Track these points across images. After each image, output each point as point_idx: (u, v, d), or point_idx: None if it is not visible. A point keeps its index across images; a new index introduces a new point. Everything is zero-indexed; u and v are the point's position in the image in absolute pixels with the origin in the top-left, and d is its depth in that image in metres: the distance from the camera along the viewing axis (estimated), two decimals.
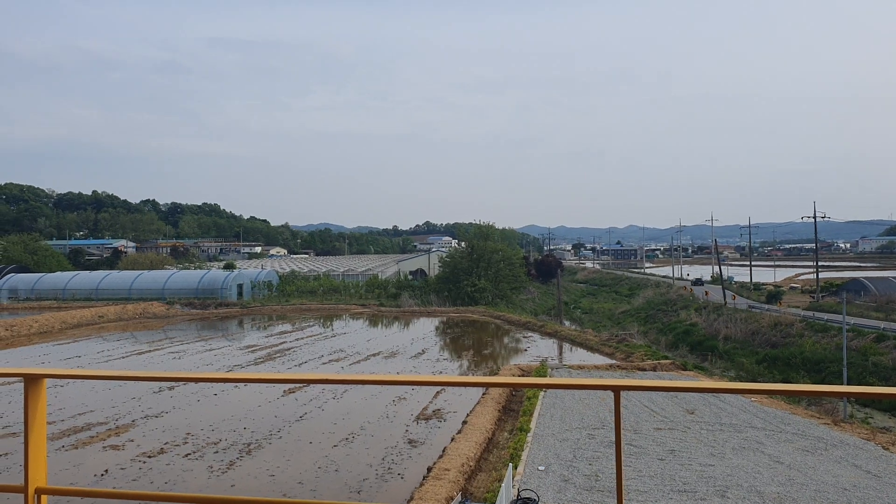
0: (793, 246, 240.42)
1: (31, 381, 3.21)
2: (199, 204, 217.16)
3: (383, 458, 15.14)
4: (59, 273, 66.87)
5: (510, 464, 12.89)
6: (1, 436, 17.11)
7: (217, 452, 15.60)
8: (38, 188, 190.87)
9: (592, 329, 43.67)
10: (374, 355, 30.71)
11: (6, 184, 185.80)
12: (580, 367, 26.89)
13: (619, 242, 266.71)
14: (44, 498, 3.19)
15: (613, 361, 29.28)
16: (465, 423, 17.66)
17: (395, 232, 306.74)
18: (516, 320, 45.07)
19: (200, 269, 74.36)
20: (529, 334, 39.34)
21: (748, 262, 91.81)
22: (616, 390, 2.61)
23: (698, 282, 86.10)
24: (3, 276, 63.39)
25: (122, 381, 3.40)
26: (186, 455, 15.40)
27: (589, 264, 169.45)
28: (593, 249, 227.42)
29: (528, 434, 16.33)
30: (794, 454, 14.48)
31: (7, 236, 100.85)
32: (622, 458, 2.64)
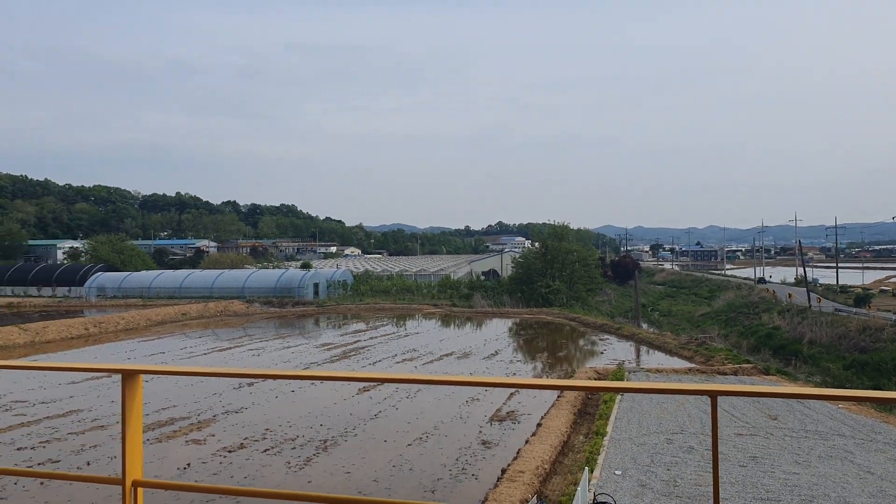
0: (883, 247, 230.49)
1: (129, 377, 3.29)
2: (277, 205, 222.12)
3: (457, 459, 15.10)
4: (144, 272, 69.30)
5: (586, 467, 12.67)
6: (91, 429, 17.78)
7: (294, 448, 15.85)
8: (124, 190, 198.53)
9: (671, 332, 42.73)
10: (446, 356, 30.75)
11: (95, 186, 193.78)
12: (658, 371, 26.32)
13: (698, 243, 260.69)
14: (139, 490, 3.27)
15: (693, 365, 28.55)
16: (539, 425, 17.48)
17: (468, 232, 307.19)
18: (592, 322, 44.47)
19: (278, 268, 75.96)
20: (605, 337, 38.76)
21: (834, 264, 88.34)
22: (713, 395, 2.48)
23: (761, 281, 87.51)
24: (91, 275, 66.02)
25: (211, 377, 3.46)
26: (265, 450, 15.70)
27: (667, 265, 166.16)
28: (672, 250, 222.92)
29: (605, 438, 16.04)
30: (886, 464, 13.80)
31: (95, 236, 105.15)
32: (718, 464, 2.50)
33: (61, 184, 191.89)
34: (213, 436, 16.99)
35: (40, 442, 16.45)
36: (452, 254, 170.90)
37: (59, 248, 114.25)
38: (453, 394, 21.57)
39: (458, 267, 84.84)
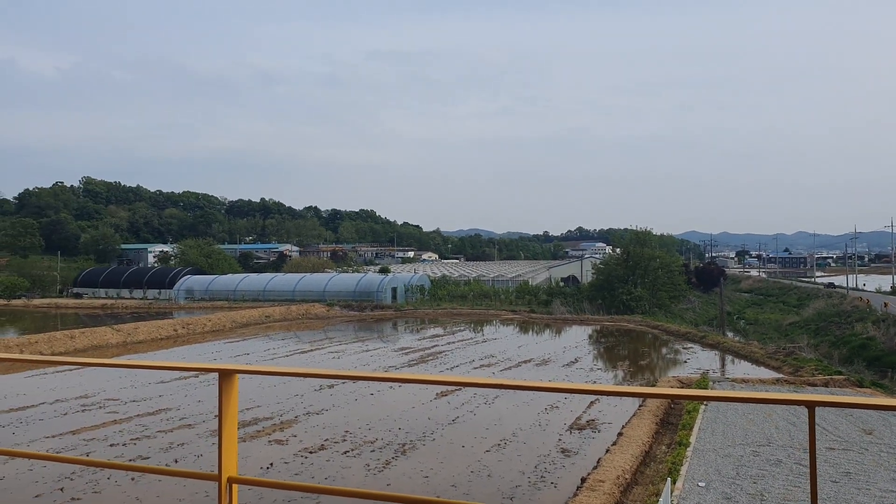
0: None
1: (225, 377, 3.39)
2: (357, 210, 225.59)
3: (536, 466, 14.95)
4: (230, 275, 71.34)
5: (668, 478, 12.35)
6: (178, 427, 18.36)
7: (374, 451, 15.99)
8: (212, 196, 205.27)
9: (757, 341, 41.37)
10: (525, 362, 30.55)
11: (184, 192, 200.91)
12: (744, 381, 25.49)
13: (786, 250, 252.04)
14: (234, 487, 3.37)
15: (780, 376, 27.55)
16: (620, 434, 17.15)
17: (546, 238, 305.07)
18: (675, 330, 43.46)
19: (358, 272, 77.06)
20: (689, 345, 37.81)
21: None
22: (811, 406, 2.35)
23: (831, 286, 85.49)
24: (180, 278, 68.37)
25: (301, 377, 3.55)
26: (345, 452, 15.89)
27: (754, 272, 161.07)
28: (758, 257, 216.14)
29: (688, 448, 15.61)
30: None
31: (184, 240, 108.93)
32: (816, 478, 2.38)
33: (152, 190, 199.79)
34: (295, 436, 17.31)
35: (131, 439, 17.08)
36: (530, 259, 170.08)
37: (150, 252, 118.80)
38: (532, 401, 21.40)
39: (537, 273, 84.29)
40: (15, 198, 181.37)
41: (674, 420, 19.38)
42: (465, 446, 16.46)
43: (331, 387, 23.49)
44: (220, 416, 3.33)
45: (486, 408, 20.60)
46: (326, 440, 16.92)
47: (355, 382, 24.03)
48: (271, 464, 14.94)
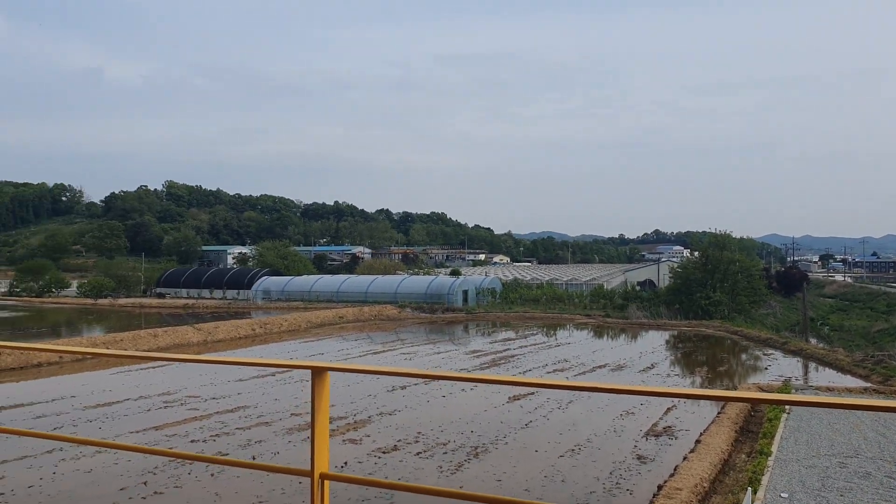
0: None
1: (317, 374, 3.44)
2: (428, 213, 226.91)
3: (611, 473, 14.69)
4: (305, 276, 72.64)
5: (749, 488, 11.96)
6: (256, 424, 18.74)
7: (446, 453, 15.98)
8: (288, 199, 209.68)
9: (843, 348, 39.78)
10: (599, 367, 30.11)
11: (262, 195, 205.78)
12: (829, 390, 24.52)
13: (874, 254, 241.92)
14: (326, 483, 3.41)
15: (868, 385, 26.41)
16: (698, 441, 16.70)
17: (622, 241, 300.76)
18: (755, 336, 42.17)
19: (428, 275, 77.43)
20: (770, 351, 36.63)
21: None
22: None
23: None
24: (258, 279, 69.95)
25: (387, 375, 3.60)
26: (418, 453, 15.93)
27: (839, 277, 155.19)
28: (844, 261, 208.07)
29: (769, 458, 15.09)
30: None
31: (262, 242, 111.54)
32: None
33: (231, 193, 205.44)
34: (369, 436, 17.45)
35: (211, 435, 17.51)
36: (605, 263, 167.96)
37: (230, 254, 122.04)
38: (607, 406, 21.06)
39: (612, 276, 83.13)
40: (102, 201, 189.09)
41: (754, 428, 18.79)
42: (539, 451, 16.30)
43: (403, 388, 23.61)
44: (312, 413, 3.38)
45: (560, 413, 20.36)
46: (399, 441, 17.00)
47: (427, 384, 24.09)
48: (346, 462, 15.08)
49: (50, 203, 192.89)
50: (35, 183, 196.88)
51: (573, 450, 16.41)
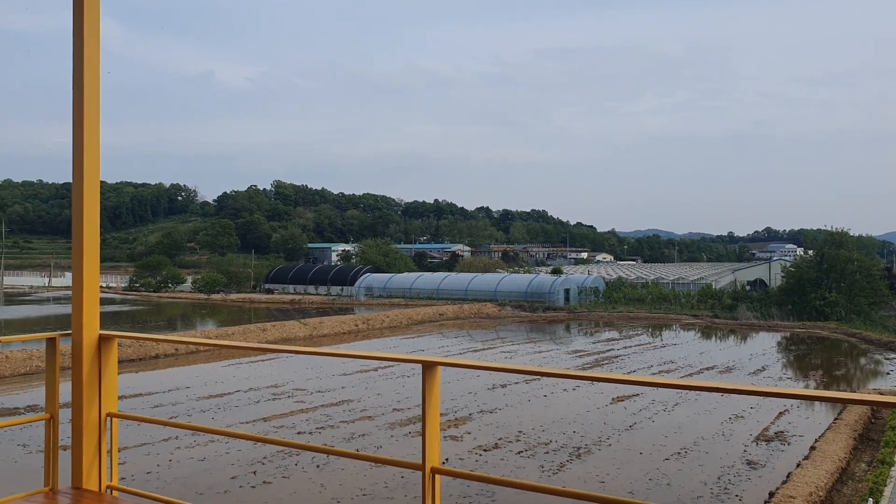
0: None
1: (429, 368, 3.46)
2: (528, 210, 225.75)
3: (719, 478, 14.19)
4: (406, 274, 73.55)
5: (870, 498, 11.31)
6: (359, 418, 19.08)
7: (547, 453, 15.82)
8: (389, 197, 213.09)
9: None
10: (707, 369, 29.17)
11: (364, 194, 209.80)
12: None
13: None
14: (437, 477, 3.43)
15: None
16: (813, 448, 15.92)
17: (731, 239, 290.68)
18: (876, 339, 39.90)
19: (529, 273, 76.99)
20: (892, 356, 34.59)
21: None
22: None
23: None
24: (361, 276, 71.35)
25: (498, 371, 3.65)
26: (519, 452, 15.84)
27: None
28: None
29: (893, 468, 14.24)
30: None
31: (364, 240, 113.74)
32: None
33: (335, 192, 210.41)
34: (469, 433, 17.47)
35: (316, 427, 17.95)
36: (713, 261, 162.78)
37: (333, 251, 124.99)
38: (715, 409, 20.38)
39: (720, 275, 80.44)
40: (214, 200, 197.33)
41: (875, 436, 17.76)
42: (643, 453, 15.92)
43: (504, 386, 23.54)
44: (423, 407, 3.41)
45: (665, 415, 19.83)
46: (500, 439, 16.95)
47: (528, 383, 23.94)
48: (447, 459, 15.15)
49: (167, 202, 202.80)
50: (153, 183, 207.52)
51: (679, 453, 15.94)
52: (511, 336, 41.20)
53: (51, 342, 4.67)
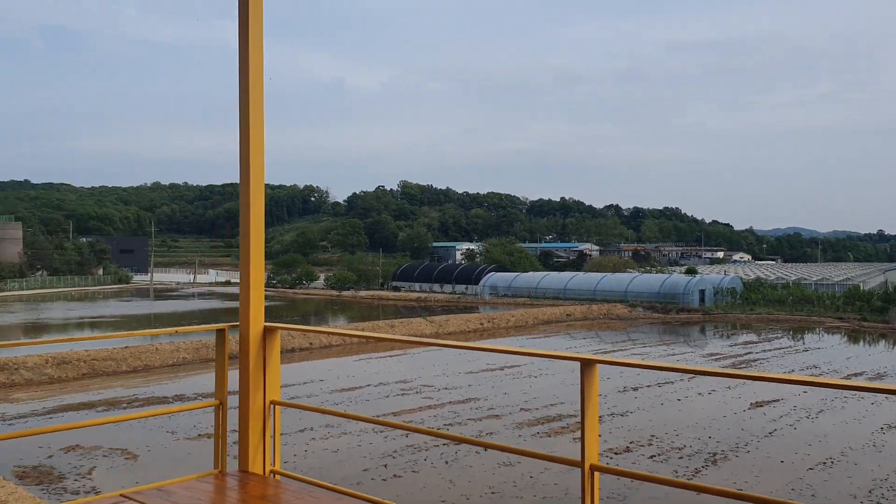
0: None
1: (586, 366, 3.46)
2: (660, 208, 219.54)
3: (870, 491, 13.24)
4: (531, 273, 73.17)
5: None
6: (486, 416, 19.09)
7: (681, 458, 15.27)
8: (514, 196, 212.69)
9: None
10: (854, 375, 27.37)
11: (488, 193, 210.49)
12: None
13: None
14: (596, 474, 3.42)
15: None
16: None
17: (881, 237, 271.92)
18: None
19: (661, 273, 74.83)
20: None
21: None
22: None
23: None
24: (485, 275, 71.58)
25: (660, 371, 3.63)
26: (651, 457, 15.36)
27: None
28: None
29: None
30: None
31: (489, 239, 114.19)
32: None
33: (460, 192, 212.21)
34: (600, 436, 17.08)
35: (444, 424, 18.09)
36: (861, 261, 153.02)
37: (458, 250, 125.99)
38: (864, 418, 19.06)
39: (869, 276, 75.53)
40: (345, 201, 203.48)
41: None
42: (785, 462, 15.08)
43: (635, 389, 22.93)
44: (581, 405, 3.44)
45: (808, 422, 18.72)
46: (631, 443, 16.51)
47: (661, 386, 23.24)
48: None
49: (301, 203, 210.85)
50: (288, 185, 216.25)
51: (824, 463, 15.00)
52: (643, 338, 40.14)
53: (220, 333, 4.93)
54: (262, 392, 4.73)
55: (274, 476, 4.58)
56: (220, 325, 4.92)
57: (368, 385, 23.32)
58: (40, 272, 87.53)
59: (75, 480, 13.88)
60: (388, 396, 21.61)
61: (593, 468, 3.38)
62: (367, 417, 4.99)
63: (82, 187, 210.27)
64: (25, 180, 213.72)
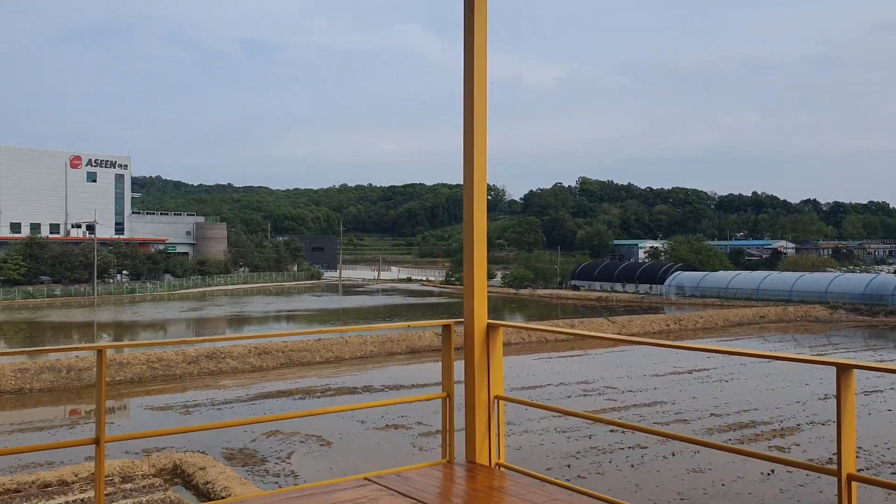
0: None
1: (843, 372, 3.31)
2: (864, 202, 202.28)
3: None
4: (721, 272, 69.80)
5: None
6: (673, 421, 18.42)
7: (894, 473, 13.94)
8: (700, 191, 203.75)
9: None
10: None
11: (673, 188, 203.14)
12: None
13: None
14: (853, 484, 3.26)
15: None
16: None
17: None
18: None
19: (867, 272, 68.91)
20: None
21: None
22: None
23: None
24: (670, 274, 69.10)
25: None
26: (860, 470, 14.12)
27: None
28: None
29: None
30: None
31: (674, 237, 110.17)
32: None
33: (642, 187, 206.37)
34: (798, 445, 16.01)
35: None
36: None
37: (640, 248, 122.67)
38: None
39: None
40: (521, 198, 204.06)
41: None
42: None
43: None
44: (838, 412, 3.32)
45: None
46: (833, 454, 15.24)
47: (867, 395, 21.36)
48: (772, 471, 14.00)
49: None
50: None
51: None
52: (845, 342, 37.14)
53: (446, 329, 5.14)
54: (487, 386, 4.82)
55: (499, 468, 4.70)
56: (447, 321, 5.10)
57: (549, 384, 23.19)
58: (242, 268, 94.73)
59: (276, 464, 14.83)
60: (569, 397, 21.38)
61: (851, 478, 3.20)
62: (586, 414, 4.99)
63: (278, 190, 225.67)
64: (229, 184, 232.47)
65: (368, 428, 17.49)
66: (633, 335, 38.66)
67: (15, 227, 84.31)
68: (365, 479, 4.32)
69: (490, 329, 5.00)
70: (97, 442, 3.73)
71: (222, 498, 12.01)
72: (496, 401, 4.87)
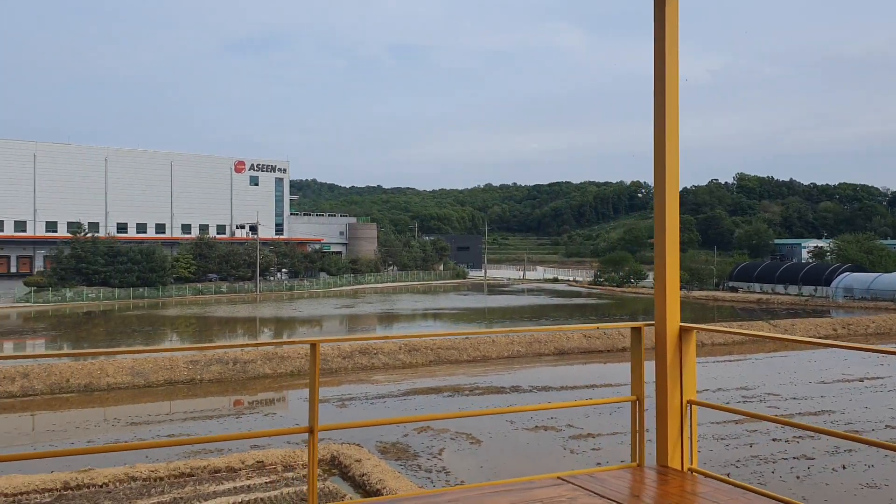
0: None
1: None
2: None
3: None
4: (895, 274, 64.64)
5: None
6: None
7: None
8: (871, 186, 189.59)
9: None
10: None
11: (839, 184, 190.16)
12: None
13: None
14: None
15: None
16: None
17: None
18: None
19: None
20: None
21: None
22: None
23: None
24: (838, 275, 64.69)
25: None
26: None
27: None
28: None
29: None
30: None
31: (842, 235, 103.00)
32: None
33: (805, 183, 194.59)
34: None
35: (794, 436, 16.62)
36: None
37: (804, 248, 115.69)
38: None
39: None
40: None
41: None
42: None
43: None
44: None
45: None
46: None
47: None
48: None
49: (627, 199, 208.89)
50: (614, 182, 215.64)
51: None
52: None
53: (636, 331, 5.14)
54: (679, 390, 4.75)
55: (692, 473, 4.59)
56: (637, 324, 5.09)
57: (706, 389, 22.28)
58: (391, 267, 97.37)
59: (427, 459, 15.10)
60: (727, 402, 20.44)
61: None
62: (779, 419, 4.77)
63: (424, 190, 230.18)
64: (378, 185, 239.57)
65: (518, 428, 17.47)
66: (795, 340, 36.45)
67: (186, 229, 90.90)
68: (559, 478, 4.35)
69: (683, 332, 4.92)
70: (311, 431, 3.93)
71: (377, 492, 12.34)
72: (689, 405, 4.74)
